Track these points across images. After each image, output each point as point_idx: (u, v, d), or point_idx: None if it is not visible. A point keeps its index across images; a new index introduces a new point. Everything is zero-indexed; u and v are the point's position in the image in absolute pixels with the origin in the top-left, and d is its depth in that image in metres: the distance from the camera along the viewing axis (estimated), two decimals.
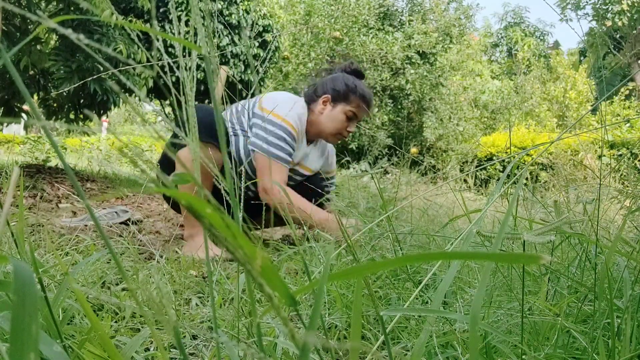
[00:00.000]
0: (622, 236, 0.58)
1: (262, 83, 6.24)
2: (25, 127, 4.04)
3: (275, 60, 6.31)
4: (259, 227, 1.78)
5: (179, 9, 4.76)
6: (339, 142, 1.83)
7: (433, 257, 0.25)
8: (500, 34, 19.13)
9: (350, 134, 1.79)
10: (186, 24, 0.39)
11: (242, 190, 0.49)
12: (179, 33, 0.36)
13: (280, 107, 1.62)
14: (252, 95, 1.78)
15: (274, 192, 1.55)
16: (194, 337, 0.79)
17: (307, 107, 1.75)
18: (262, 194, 1.56)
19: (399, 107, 8.90)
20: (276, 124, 1.59)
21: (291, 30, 8.60)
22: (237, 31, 5.03)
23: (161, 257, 1.26)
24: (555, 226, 0.51)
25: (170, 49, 4.39)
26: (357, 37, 8.35)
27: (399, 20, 9.32)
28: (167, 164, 1.67)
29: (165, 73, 0.37)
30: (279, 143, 1.59)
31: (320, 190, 1.84)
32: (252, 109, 1.66)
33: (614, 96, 10.98)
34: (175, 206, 1.82)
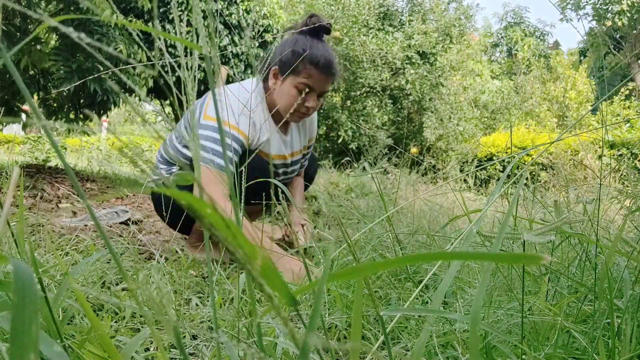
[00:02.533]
0: (622, 236, 0.58)
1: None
2: (24, 127, 4.04)
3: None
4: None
5: (179, 8, 4.76)
6: (300, 120, 1.55)
7: (433, 257, 0.25)
8: (500, 34, 19.13)
9: (314, 109, 1.49)
10: (187, 24, 0.39)
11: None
12: (180, 33, 0.36)
13: (222, 109, 1.38)
14: None
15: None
16: (194, 337, 0.79)
17: (262, 86, 1.50)
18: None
19: (399, 107, 8.90)
20: (214, 128, 1.37)
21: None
22: (237, 31, 5.03)
23: (161, 257, 1.26)
24: (555, 226, 0.51)
25: (170, 49, 4.39)
26: (357, 37, 8.35)
27: (399, 20, 9.32)
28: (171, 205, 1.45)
29: (166, 72, 0.37)
30: (215, 147, 1.34)
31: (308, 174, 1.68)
32: (200, 116, 1.42)
33: (614, 96, 10.98)
34: (174, 225, 1.56)
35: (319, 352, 0.42)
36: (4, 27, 2.98)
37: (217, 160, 1.33)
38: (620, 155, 5.79)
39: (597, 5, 14.07)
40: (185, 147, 1.50)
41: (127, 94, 4.37)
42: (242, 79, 5.19)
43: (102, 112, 3.81)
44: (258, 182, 1.29)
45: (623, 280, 0.58)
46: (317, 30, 1.46)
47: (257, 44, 5.46)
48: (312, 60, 1.40)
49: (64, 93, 3.51)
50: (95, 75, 2.99)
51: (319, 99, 1.48)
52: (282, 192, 0.65)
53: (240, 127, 1.37)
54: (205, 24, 0.31)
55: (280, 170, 1.58)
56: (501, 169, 6.41)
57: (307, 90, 1.43)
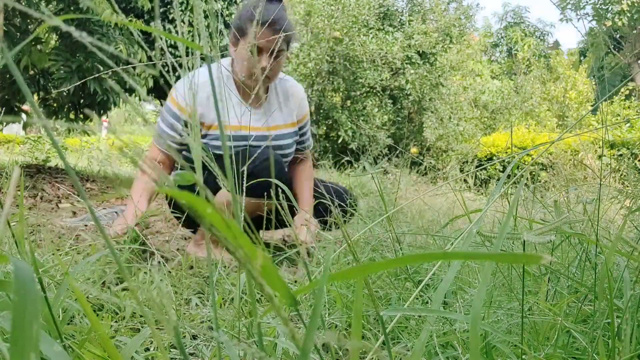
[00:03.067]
0: (622, 236, 0.58)
1: None
2: (25, 127, 4.05)
3: None
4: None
5: (180, 8, 4.76)
6: (264, 84, 1.53)
7: (433, 257, 0.25)
8: (500, 34, 19.12)
9: (270, 69, 1.46)
10: (188, 24, 0.39)
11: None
12: (181, 33, 0.37)
13: (179, 87, 1.45)
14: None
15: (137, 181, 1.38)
16: (194, 337, 0.79)
17: (229, 59, 1.53)
18: None
19: (399, 107, 8.90)
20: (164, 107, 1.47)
21: None
22: None
23: (161, 257, 1.26)
24: (555, 226, 0.51)
25: (170, 49, 4.39)
26: (357, 37, 8.34)
27: (399, 20, 9.32)
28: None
29: (167, 72, 0.37)
30: (158, 123, 1.45)
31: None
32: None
33: (614, 96, 10.99)
34: (189, 224, 1.57)
35: (319, 352, 0.42)
36: (4, 27, 2.98)
37: (156, 137, 1.41)
38: (621, 155, 5.79)
39: (597, 5, 14.07)
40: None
41: (127, 94, 4.37)
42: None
43: (102, 112, 3.81)
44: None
45: (623, 280, 0.58)
46: None
47: None
48: (252, 19, 1.42)
49: (64, 93, 3.51)
50: (95, 75, 2.99)
51: (274, 59, 1.45)
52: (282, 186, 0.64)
53: (177, 100, 1.42)
54: (206, 23, 0.31)
55: (255, 143, 1.53)
56: (501, 169, 6.42)
57: (258, 51, 1.43)
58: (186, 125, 1.35)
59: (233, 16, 1.54)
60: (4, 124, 4.06)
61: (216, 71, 1.41)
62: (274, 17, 1.40)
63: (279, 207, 0.56)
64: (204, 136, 1.48)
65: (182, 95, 1.41)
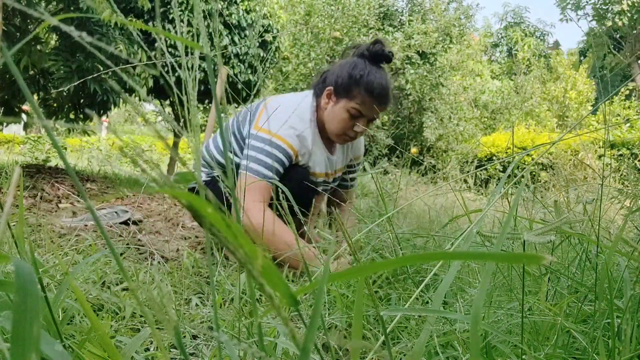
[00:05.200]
0: (622, 236, 0.58)
1: (262, 83, 6.24)
2: (25, 127, 4.05)
3: (275, 60, 6.31)
4: None
5: (180, 8, 4.76)
6: (345, 142, 1.56)
7: (434, 258, 0.25)
8: (500, 34, 19.13)
9: (361, 134, 1.50)
10: (188, 24, 0.39)
11: None
12: (181, 33, 0.36)
13: (273, 120, 1.39)
14: (256, 94, 1.63)
15: (251, 211, 1.26)
16: (194, 337, 0.79)
17: (315, 102, 1.50)
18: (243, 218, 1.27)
19: (399, 107, 8.90)
20: (263, 139, 1.36)
21: (291, 30, 8.60)
22: (237, 31, 5.03)
23: (161, 257, 1.26)
24: (556, 226, 0.51)
25: (170, 49, 4.39)
26: (357, 37, 8.34)
27: (399, 20, 9.32)
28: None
29: (167, 72, 0.37)
30: (261, 157, 1.34)
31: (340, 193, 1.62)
32: (250, 126, 1.43)
33: (614, 96, 10.99)
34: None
35: (320, 351, 0.42)
36: (4, 27, 2.98)
37: (262, 171, 1.32)
38: (621, 155, 5.79)
39: (597, 5, 14.07)
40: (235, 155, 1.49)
41: (127, 94, 4.36)
42: (243, 79, 5.19)
43: (102, 112, 3.81)
44: (301, 195, 1.31)
45: (623, 280, 0.58)
46: (377, 56, 1.46)
47: (257, 44, 5.46)
48: (367, 87, 1.39)
49: (64, 93, 3.51)
50: (95, 75, 2.99)
51: (369, 124, 1.48)
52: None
53: (289, 141, 1.36)
54: (206, 23, 0.31)
55: (321, 188, 1.57)
56: (501, 169, 6.42)
57: (358, 115, 1.43)
58: (290, 163, 1.37)
59: (332, 66, 1.50)
60: (4, 124, 4.06)
61: (310, 112, 1.45)
62: (386, 87, 1.42)
63: (279, 206, 0.56)
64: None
65: (286, 133, 1.37)
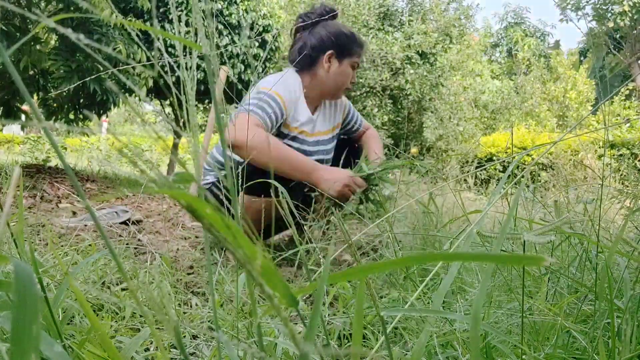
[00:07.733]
0: (622, 236, 0.58)
1: None
2: (23, 127, 4.05)
3: (275, 60, 6.31)
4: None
5: (179, 8, 4.76)
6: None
7: (434, 258, 0.25)
8: (501, 34, 19.13)
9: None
10: (186, 24, 0.39)
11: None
12: (179, 33, 0.36)
13: (265, 82, 1.54)
14: None
15: (252, 141, 1.33)
16: (194, 337, 0.79)
17: (300, 74, 1.65)
18: (235, 151, 1.35)
19: (399, 107, 8.90)
20: (259, 92, 1.49)
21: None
22: (237, 31, 5.03)
23: (161, 257, 1.26)
24: (555, 226, 0.51)
25: (170, 49, 4.39)
26: None
27: (399, 20, 9.32)
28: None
29: (165, 73, 0.37)
30: (259, 103, 1.45)
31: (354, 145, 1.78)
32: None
33: (614, 96, 10.99)
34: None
35: (320, 353, 0.42)
36: (3, 27, 2.98)
37: (257, 110, 1.44)
38: (621, 155, 5.79)
39: (597, 5, 14.07)
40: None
41: (126, 94, 4.37)
42: (242, 80, 5.18)
43: (101, 112, 3.81)
44: (298, 195, 1.44)
45: (623, 280, 0.58)
46: (335, 14, 1.69)
47: (256, 44, 5.45)
48: (359, 41, 1.65)
49: (64, 93, 3.51)
50: (95, 76, 2.98)
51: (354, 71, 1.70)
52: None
53: (279, 91, 1.50)
54: (205, 23, 0.31)
55: (321, 156, 1.71)
56: (501, 169, 6.42)
57: (355, 67, 1.65)
58: (281, 113, 1.47)
59: (301, 38, 1.68)
60: (4, 124, 4.07)
61: (297, 81, 1.62)
62: (360, 37, 1.67)
63: (278, 206, 0.56)
64: (282, 134, 1.58)
65: (280, 91, 1.50)
